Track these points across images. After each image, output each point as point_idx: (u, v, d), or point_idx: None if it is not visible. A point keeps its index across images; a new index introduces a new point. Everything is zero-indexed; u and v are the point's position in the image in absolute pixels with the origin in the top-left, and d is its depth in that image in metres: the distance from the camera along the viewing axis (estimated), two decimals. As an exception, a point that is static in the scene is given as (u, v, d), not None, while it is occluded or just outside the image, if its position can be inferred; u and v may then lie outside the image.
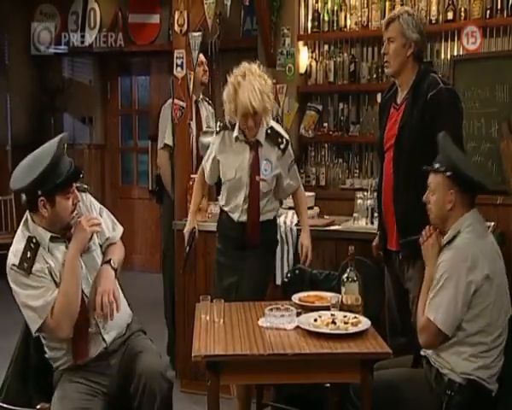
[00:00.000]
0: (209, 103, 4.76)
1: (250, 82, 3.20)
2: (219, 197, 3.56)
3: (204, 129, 4.56)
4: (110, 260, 2.80)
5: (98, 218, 2.81)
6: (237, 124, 3.34)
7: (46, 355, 2.76)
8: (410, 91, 3.20)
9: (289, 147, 3.44)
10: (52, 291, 2.61)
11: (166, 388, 2.69)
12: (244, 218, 3.39)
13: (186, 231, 3.60)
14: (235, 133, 3.36)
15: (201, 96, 4.64)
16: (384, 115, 3.37)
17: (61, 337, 2.65)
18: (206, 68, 4.60)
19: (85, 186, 2.87)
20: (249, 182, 3.34)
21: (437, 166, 2.65)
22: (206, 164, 3.55)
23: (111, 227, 2.91)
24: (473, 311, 2.52)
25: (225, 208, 3.47)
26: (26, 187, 2.59)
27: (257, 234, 3.39)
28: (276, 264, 3.80)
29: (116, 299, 2.71)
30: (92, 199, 2.89)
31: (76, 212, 2.71)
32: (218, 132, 3.46)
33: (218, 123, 3.48)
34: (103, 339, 2.75)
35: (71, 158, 2.68)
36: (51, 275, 2.64)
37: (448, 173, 2.60)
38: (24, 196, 2.65)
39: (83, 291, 2.69)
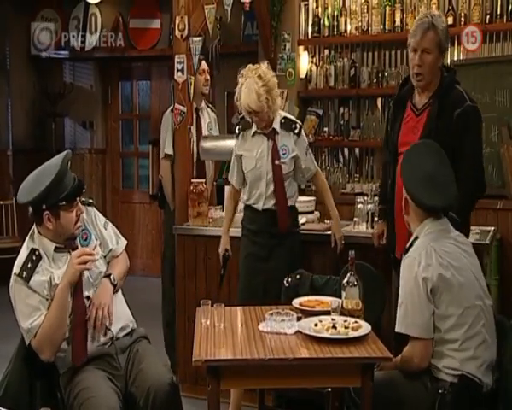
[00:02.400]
0: (212, 109, 4.77)
1: (248, 85, 3.45)
2: (242, 195, 3.76)
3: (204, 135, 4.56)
4: (110, 275, 2.88)
5: (92, 247, 2.86)
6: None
7: (51, 360, 2.78)
8: (434, 101, 3.11)
9: (303, 131, 3.68)
10: (39, 314, 2.67)
11: (174, 395, 2.75)
12: (269, 204, 3.58)
13: (220, 251, 3.79)
14: (254, 129, 3.62)
15: (204, 103, 4.64)
16: (399, 113, 3.27)
17: (42, 359, 2.71)
18: (208, 77, 4.56)
19: (90, 200, 2.98)
20: (271, 167, 3.55)
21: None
22: (233, 171, 3.74)
23: (114, 241, 3.00)
24: (440, 309, 2.55)
25: (249, 202, 3.66)
26: (31, 201, 2.69)
27: (286, 216, 3.58)
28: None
29: (110, 314, 2.80)
30: (97, 213, 2.98)
31: (80, 223, 2.81)
32: (237, 135, 3.70)
33: (238, 127, 3.71)
34: (109, 329, 2.82)
35: (74, 173, 2.80)
36: (51, 285, 2.71)
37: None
38: (30, 209, 2.75)
39: (84, 296, 2.78)
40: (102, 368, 2.79)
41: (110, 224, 3.03)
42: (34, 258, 2.71)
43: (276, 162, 3.55)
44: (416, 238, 2.68)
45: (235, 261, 3.78)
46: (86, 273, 2.79)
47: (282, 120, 3.61)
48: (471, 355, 2.55)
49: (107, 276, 2.87)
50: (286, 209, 3.59)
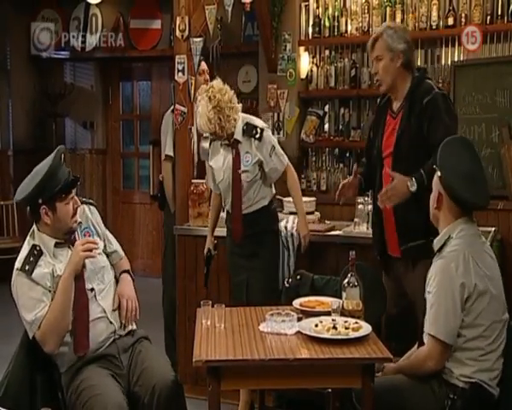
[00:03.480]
0: None
1: (200, 108, 3.53)
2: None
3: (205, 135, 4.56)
4: (129, 271, 3.02)
5: (96, 239, 2.92)
6: None
7: (55, 352, 2.79)
8: (407, 99, 3.21)
9: (265, 134, 3.63)
10: (43, 306, 2.69)
11: (179, 392, 2.79)
12: None
13: (204, 251, 3.92)
14: (221, 140, 3.66)
15: None
16: (380, 122, 3.36)
17: (46, 351, 2.72)
18: (208, 78, 4.51)
19: (91, 201, 3.05)
20: (232, 178, 3.60)
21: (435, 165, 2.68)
22: (209, 179, 3.86)
23: (115, 241, 3.08)
24: (469, 317, 2.52)
25: (226, 207, 3.76)
26: (27, 197, 2.72)
27: (239, 226, 3.64)
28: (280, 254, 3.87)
29: (137, 307, 2.94)
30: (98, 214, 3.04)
31: (78, 217, 2.83)
32: (210, 144, 3.80)
33: (210, 137, 3.76)
34: (110, 322, 2.85)
35: (69, 168, 2.85)
36: (53, 277, 2.73)
37: (438, 174, 2.63)
38: (28, 208, 2.79)
39: (86, 288, 2.80)
40: (106, 367, 2.80)
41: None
42: (36, 253, 2.74)
43: (238, 172, 3.58)
44: (449, 238, 2.60)
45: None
46: (90, 265, 2.82)
47: (244, 127, 3.60)
48: (489, 367, 2.53)
49: (126, 271, 3.00)
50: (239, 218, 3.63)
